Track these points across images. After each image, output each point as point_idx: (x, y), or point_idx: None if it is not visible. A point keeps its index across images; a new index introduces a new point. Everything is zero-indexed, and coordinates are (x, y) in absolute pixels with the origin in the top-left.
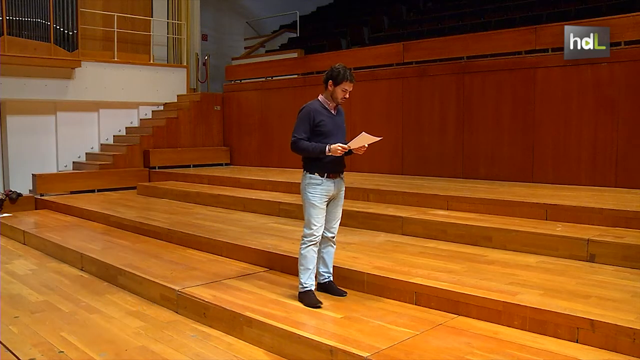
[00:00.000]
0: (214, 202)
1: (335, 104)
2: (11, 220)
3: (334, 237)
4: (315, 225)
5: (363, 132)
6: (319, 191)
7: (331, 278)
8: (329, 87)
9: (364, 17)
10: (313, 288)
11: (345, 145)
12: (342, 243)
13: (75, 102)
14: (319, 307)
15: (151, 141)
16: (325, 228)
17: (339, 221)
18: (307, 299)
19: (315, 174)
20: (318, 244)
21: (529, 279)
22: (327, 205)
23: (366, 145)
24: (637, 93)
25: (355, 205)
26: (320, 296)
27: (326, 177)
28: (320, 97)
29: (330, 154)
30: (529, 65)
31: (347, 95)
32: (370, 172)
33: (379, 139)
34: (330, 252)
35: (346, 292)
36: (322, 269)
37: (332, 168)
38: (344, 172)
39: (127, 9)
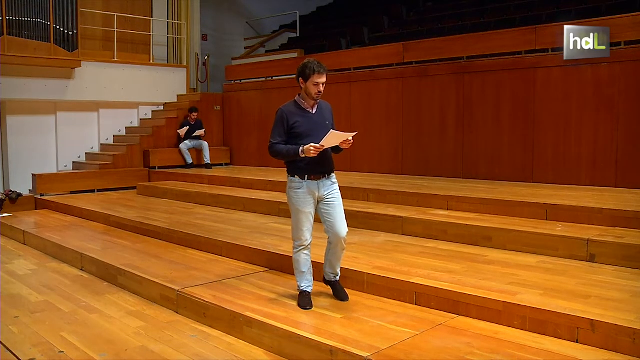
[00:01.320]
0: (214, 202)
1: (314, 102)
2: (11, 220)
3: (341, 240)
4: (302, 230)
5: (332, 131)
6: (301, 194)
7: (337, 278)
8: (301, 85)
9: (364, 17)
10: (309, 290)
11: (318, 145)
12: None
13: (75, 102)
14: (307, 309)
15: (151, 141)
16: (327, 231)
17: (342, 222)
18: (300, 300)
19: (296, 176)
20: (308, 248)
21: (529, 279)
22: (317, 208)
23: (350, 139)
24: (637, 93)
25: (355, 205)
26: (322, 296)
27: (307, 179)
28: (296, 97)
29: (304, 155)
30: (529, 65)
31: (321, 89)
32: (370, 172)
33: (353, 134)
34: (336, 253)
35: (348, 298)
36: (327, 269)
37: (312, 169)
38: (334, 172)
39: (127, 9)
